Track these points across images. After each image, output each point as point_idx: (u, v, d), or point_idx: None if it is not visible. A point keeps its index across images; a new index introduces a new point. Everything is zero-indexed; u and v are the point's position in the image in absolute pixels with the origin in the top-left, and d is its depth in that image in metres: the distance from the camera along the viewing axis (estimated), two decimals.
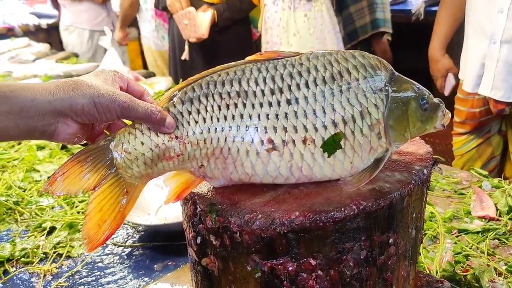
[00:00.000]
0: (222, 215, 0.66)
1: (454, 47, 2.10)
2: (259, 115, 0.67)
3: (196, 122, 0.68)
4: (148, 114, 0.66)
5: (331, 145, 0.67)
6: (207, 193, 0.71)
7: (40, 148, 1.89)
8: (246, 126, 0.67)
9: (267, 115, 0.67)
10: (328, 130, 0.67)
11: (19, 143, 1.95)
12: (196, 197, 0.71)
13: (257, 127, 0.67)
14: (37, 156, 1.78)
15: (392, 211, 0.67)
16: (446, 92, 2.10)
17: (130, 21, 3.60)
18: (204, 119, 0.68)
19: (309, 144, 0.66)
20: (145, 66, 4.25)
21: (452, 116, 2.01)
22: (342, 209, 0.63)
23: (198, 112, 0.68)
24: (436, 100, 0.73)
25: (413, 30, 3.56)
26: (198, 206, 0.70)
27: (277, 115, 0.67)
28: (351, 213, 0.63)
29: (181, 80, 2.61)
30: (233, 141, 0.67)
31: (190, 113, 0.68)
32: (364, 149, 0.68)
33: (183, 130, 0.68)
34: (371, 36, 2.62)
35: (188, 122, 0.68)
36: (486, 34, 1.72)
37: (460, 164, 2.01)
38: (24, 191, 1.54)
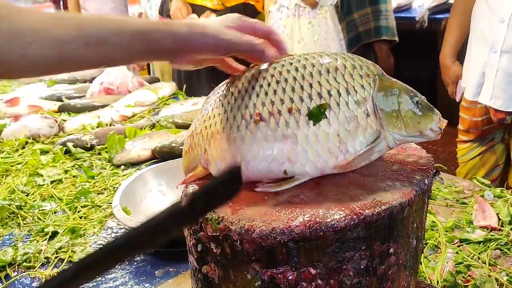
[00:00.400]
0: (222, 223, 0.67)
1: (459, 55, 2.10)
2: (250, 96, 0.73)
3: (202, 116, 0.77)
4: (251, 45, 0.75)
5: (316, 114, 0.70)
6: None
7: (44, 152, 1.90)
8: (238, 107, 0.73)
9: (257, 94, 0.72)
10: (314, 101, 0.70)
11: (23, 147, 1.96)
12: None
13: (247, 105, 0.72)
14: (41, 161, 1.79)
15: (392, 221, 0.67)
16: (458, 98, 2.10)
17: None
18: (207, 111, 0.77)
19: (294, 113, 0.70)
20: (149, 71, 4.26)
21: (457, 123, 2.02)
22: (343, 218, 0.63)
23: (205, 109, 0.78)
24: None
25: (417, 37, 3.56)
26: None
27: (266, 92, 0.72)
28: (352, 222, 0.63)
29: (185, 86, 2.62)
30: (227, 121, 0.73)
31: (201, 112, 0.79)
32: (351, 122, 0.70)
33: (193, 126, 0.79)
34: (374, 42, 2.63)
35: (198, 119, 0.78)
36: (487, 43, 1.73)
37: (464, 172, 2.01)
38: (27, 195, 1.55)
